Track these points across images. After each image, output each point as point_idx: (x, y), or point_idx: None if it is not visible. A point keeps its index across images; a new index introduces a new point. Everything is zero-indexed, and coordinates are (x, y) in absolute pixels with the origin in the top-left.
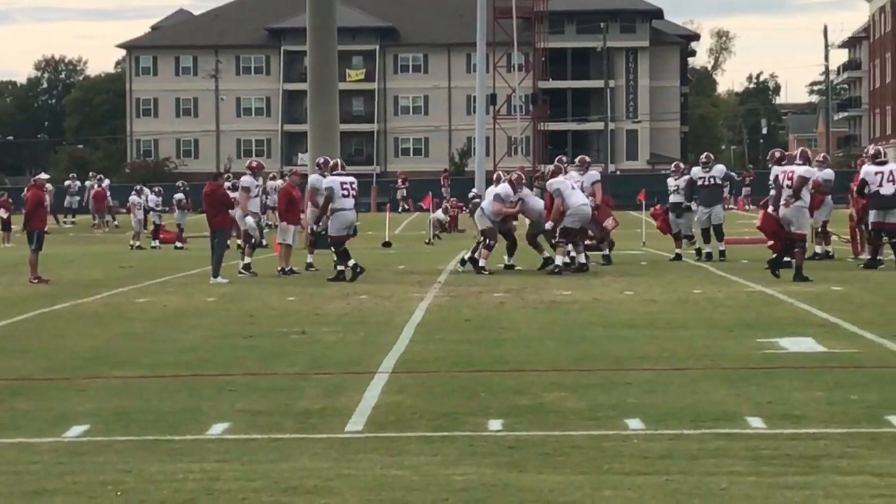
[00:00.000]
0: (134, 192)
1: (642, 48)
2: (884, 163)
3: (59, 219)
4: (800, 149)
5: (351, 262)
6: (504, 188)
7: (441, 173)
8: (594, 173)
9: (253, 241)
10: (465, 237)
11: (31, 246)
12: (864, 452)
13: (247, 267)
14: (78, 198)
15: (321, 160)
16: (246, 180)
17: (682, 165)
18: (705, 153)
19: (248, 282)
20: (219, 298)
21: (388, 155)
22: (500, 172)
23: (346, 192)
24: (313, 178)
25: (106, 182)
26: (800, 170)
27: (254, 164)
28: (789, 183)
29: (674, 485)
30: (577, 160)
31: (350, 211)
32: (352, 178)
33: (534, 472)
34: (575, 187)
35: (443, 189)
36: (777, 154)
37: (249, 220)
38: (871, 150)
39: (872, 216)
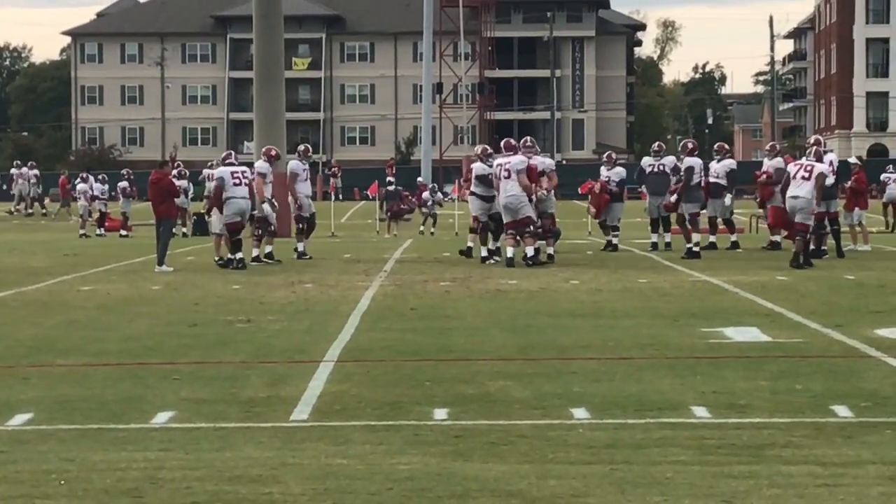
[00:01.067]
0: (80, 180)
1: (588, 38)
2: (825, 152)
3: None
4: (814, 147)
5: (238, 255)
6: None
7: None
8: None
9: (272, 228)
10: (411, 226)
11: None
12: (808, 442)
13: (269, 255)
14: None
15: (302, 147)
16: (261, 166)
17: (613, 156)
18: (657, 142)
19: (192, 270)
20: (163, 287)
21: (335, 143)
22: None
23: (237, 181)
24: (293, 164)
25: (35, 171)
26: (819, 167)
27: (273, 151)
28: (805, 175)
29: (619, 474)
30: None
31: (242, 199)
32: (244, 168)
33: (479, 461)
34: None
35: (388, 178)
36: (690, 145)
37: (267, 207)
38: (812, 139)
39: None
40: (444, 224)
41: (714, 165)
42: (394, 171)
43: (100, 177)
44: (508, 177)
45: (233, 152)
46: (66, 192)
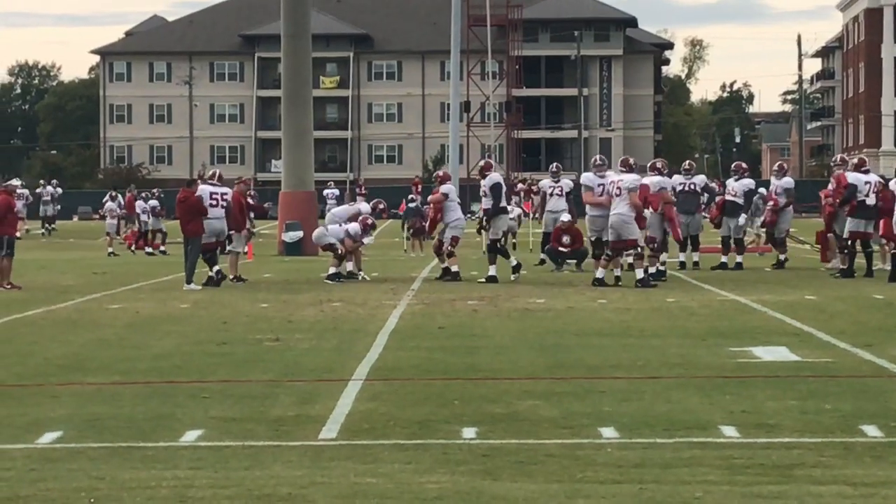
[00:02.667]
0: (108, 198)
1: (616, 56)
2: (868, 172)
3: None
4: None
5: (214, 269)
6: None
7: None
8: (567, 181)
9: (340, 251)
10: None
11: (2, 252)
12: (837, 462)
13: (339, 275)
14: (57, 205)
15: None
16: (354, 229)
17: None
18: (688, 161)
19: (220, 289)
20: (192, 305)
21: (362, 162)
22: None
23: (214, 202)
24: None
25: (57, 189)
26: None
27: (369, 221)
28: None
29: (647, 493)
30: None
31: (216, 220)
32: (224, 189)
33: (507, 481)
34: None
35: (410, 196)
36: (659, 164)
37: (370, 240)
38: (856, 159)
39: (853, 225)
40: (472, 243)
41: (732, 184)
42: (419, 190)
43: (143, 194)
44: (620, 195)
45: (218, 171)
46: (133, 211)
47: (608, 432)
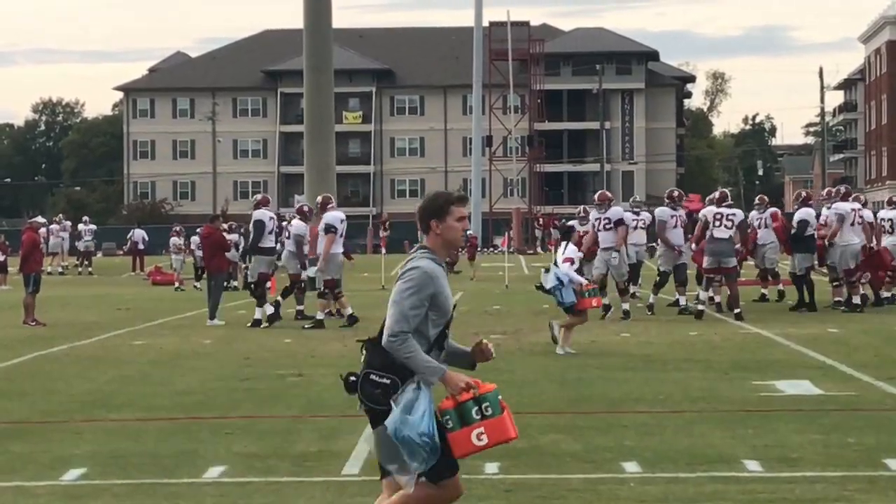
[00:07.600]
0: (174, 234)
1: (638, 90)
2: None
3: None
4: None
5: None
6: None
7: None
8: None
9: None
10: (460, 279)
11: (28, 288)
12: (861, 496)
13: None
14: (94, 241)
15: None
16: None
17: (608, 194)
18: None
19: (244, 324)
20: (215, 341)
21: (385, 196)
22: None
23: None
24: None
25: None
26: None
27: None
28: None
29: None
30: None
31: None
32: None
33: None
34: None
35: None
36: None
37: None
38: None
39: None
40: (494, 277)
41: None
42: None
43: (176, 228)
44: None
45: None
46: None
47: (631, 467)
